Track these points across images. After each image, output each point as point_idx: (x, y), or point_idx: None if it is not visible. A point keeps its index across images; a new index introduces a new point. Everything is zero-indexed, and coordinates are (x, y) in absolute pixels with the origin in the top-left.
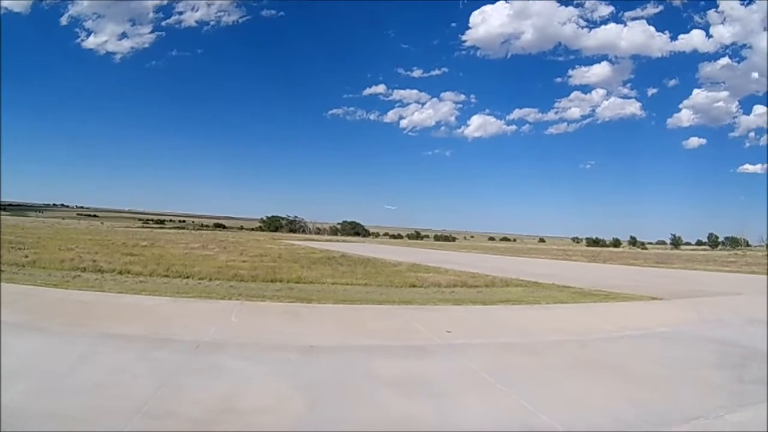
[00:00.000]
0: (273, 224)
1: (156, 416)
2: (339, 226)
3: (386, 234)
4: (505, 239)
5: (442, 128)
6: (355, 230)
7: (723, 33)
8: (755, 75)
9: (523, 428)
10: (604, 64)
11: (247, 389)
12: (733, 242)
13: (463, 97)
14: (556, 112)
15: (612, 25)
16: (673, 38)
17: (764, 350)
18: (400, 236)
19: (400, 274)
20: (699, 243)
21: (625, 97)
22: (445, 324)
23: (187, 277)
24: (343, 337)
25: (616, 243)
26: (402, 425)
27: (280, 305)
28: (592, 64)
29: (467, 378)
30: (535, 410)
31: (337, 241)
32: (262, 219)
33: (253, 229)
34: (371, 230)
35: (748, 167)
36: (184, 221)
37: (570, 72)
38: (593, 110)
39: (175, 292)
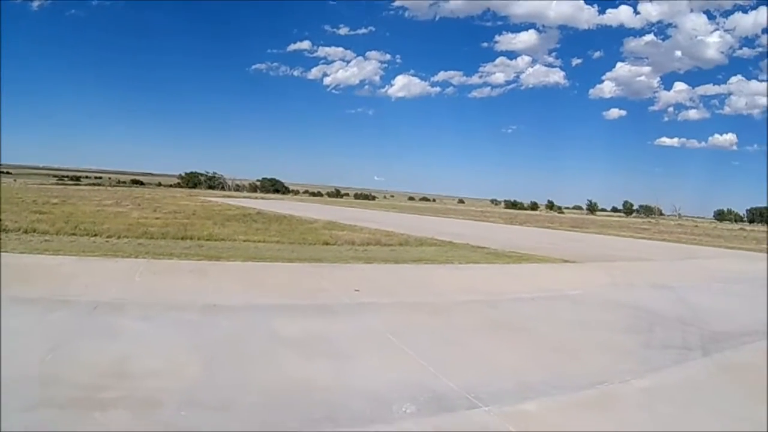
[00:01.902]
0: (192, 181)
1: (42, 382)
2: (259, 183)
3: (306, 192)
4: (425, 199)
5: (366, 87)
6: (275, 187)
7: (650, 11)
8: (678, 53)
9: (422, 391)
10: (532, 32)
11: (142, 352)
12: (647, 210)
13: (388, 56)
14: (481, 77)
15: None
16: (602, 12)
17: (672, 316)
18: (320, 194)
19: (315, 232)
20: (614, 210)
21: (550, 65)
22: (355, 283)
23: (95, 235)
24: (249, 296)
25: (534, 206)
26: (298, 387)
27: (187, 263)
28: (519, 31)
29: (371, 338)
30: (437, 372)
31: (256, 198)
32: (180, 175)
33: (171, 186)
34: (292, 188)
35: (665, 140)
36: (100, 178)
37: (497, 38)
38: (518, 76)
39: (80, 251)
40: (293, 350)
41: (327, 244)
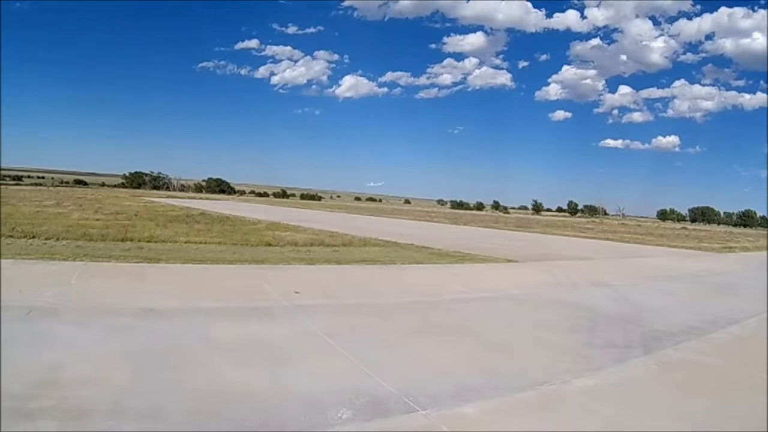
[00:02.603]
0: (136, 181)
1: None
2: (204, 183)
3: (252, 192)
4: (371, 200)
5: (314, 87)
6: (220, 188)
7: (597, 15)
8: (623, 57)
9: (358, 395)
10: (480, 34)
11: (74, 358)
12: (591, 210)
13: (336, 56)
14: (428, 78)
15: None
16: (549, 16)
17: (613, 314)
18: (266, 194)
19: (258, 233)
20: (559, 210)
21: (497, 67)
22: (296, 285)
23: (33, 237)
24: (186, 299)
25: (480, 206)
26: (232, 393)
27: (126, 266)
28: (467, 33)
29: (309, 342)
30: (374, 375)
31: (201, 198)
32: (124, 175)
33: (115, 186)
34: (238, 188)
35: (610, 142)
36: (42, 177)
37: (445, 39)
38: (465, 78)
39: (16, 253)
40: (229, 355)
41: (270, 245)
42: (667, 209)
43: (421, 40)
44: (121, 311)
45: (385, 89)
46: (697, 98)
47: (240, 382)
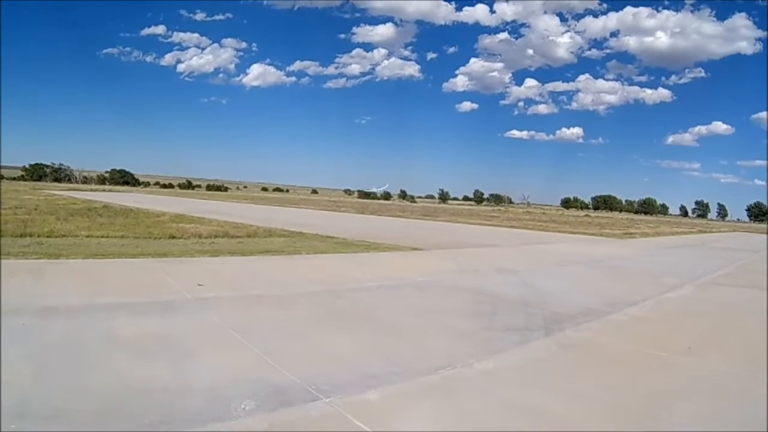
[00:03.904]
0: (36, 173)
1: None
2: (108, 175)
3: (157, 183)
4: (278, 190)
5: (221, 75)
6: (124, 179)
7: (506, 10)
8: (530, 51)
9: (262, 386)
10: (389, 25)
11: None
12: (497, 199)
13: (244, 44)
14: (337, 68)
15: None
16: (458, 9)
17: (515, 299)
18: (171, 186)
19: (161, 225)
20: (465, 198)
21: (406, 58)
22: (199, 277)
23: None
24: (88, 295)
25: (387, 196)
26: (134, 390)
27: (23, 263)
28: (377, 24)
29: (212, 335)
30: (277, 365)
31: (104, 191)
32: (24, 168)
33: (14, 179)
34: (142, 179)
35: (515, 133)
36: None
37: (354, 29)
38: (373, 68)
39: None
40: (131, 351)
41: (173, 237)
42: (571, 197)
43: (331, 29)
44: (20, 311)
45: (294, 78)
46: (600, 92)
47: (143, 378)
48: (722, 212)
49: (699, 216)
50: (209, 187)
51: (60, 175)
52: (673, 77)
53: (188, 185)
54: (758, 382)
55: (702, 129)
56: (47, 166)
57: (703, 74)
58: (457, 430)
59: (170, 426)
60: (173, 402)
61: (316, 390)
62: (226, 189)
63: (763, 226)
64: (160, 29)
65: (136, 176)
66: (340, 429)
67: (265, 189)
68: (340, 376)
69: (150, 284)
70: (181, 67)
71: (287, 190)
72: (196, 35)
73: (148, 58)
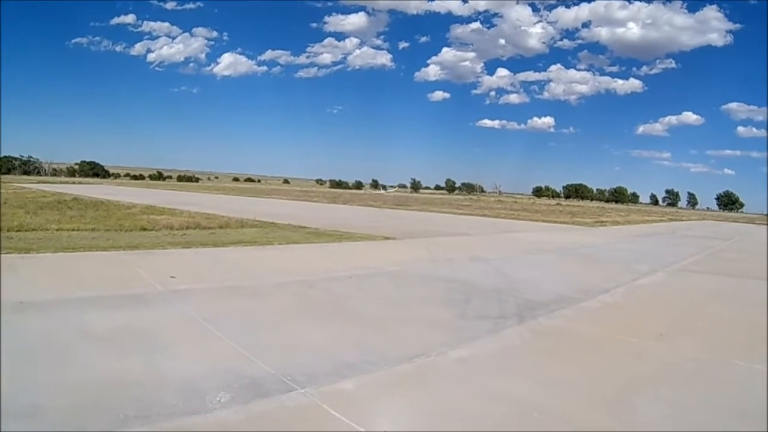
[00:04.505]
0: (5, 166)
1: None
2: (77, 167)
3: (128, 175)
4: (249, 180)
5: (192, 65)
6: (94, 171)
7: (478, 0)
8: (502, 41)
9: (237, 378)
10: (361, 14)
11: None
12: (469, 188)
13: (215, 34)
14: (308, 57)
15: None
16: None
17: (488, 287)
18: (142, 177)
19: (132, 217)
20: (437, 188)
21: (378, 48)
22: (171, 269)
23: None
24: (59, 290)
25: (359, 185)
26: (109, 385)
27: None
28: (349, 13)
29: (186, 327)
30: (252, 356)
31: (74, 183)
32: None
33: None
34: (112, 171)
35: (487, 122)
36: None
37: (326, 18)
38: (345, 58)
39: None
40: (105, 345)
41: (145, 229)
42: (542, 186)
43: (302, 18)
44: None
45: (265, 68)
46: (572, 82)
47: (118, 372)
48: (692, 201)
49: (669, 204)
50: (180, 178)
51: (29, 167)
52: (644, 68)
53: (159, 176)
54: (729, 367)
55: (672, 119)
56: (15, 159)
57: (674, 65)
58: (432, 418)
59: (146, 420)
60: (149, 396)
61: (291, 381)
62: (197, 180)
63: (732, 214)
64: (130, 18)
65: (106, 168)
66: (316, 419)
67: (236, 179)
68: (315, 366)
69: (122, 277)
70: (151, 57)
71: (259, 181)
72: (166, 24)
73: (118, 48)
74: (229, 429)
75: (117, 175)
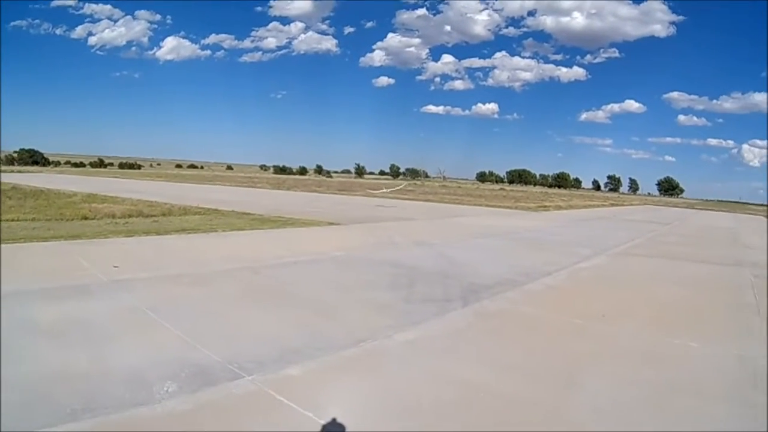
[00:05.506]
0: None
1: None
2: (16, 155)
3: (68, 162)
4: (192, 167)
5: (134, 48)
6: (34, 159)
7: None
8: (448, 28)
9: (183, 367)
10: None
11: None
12: (413, 173)
13: (158, 17)
14: (253, 41)
15: None
16: None
17: (433, 271)
18: (82, 164)
19: (73, 206)
20: (382, 173)
21: (323, 33)
22: (114, 259)
23: None
24: None
25: (303, 171)
26: (54, 379)
27: None
28: None
29: (129, 317)
30: (198, 345)
31: (12, 171)
32: None
33: None
34: (52, 158)
35: (432, 108)
36: None
37: (271, 2)
38: (290, 42)
39: None
40: (49, 339)
41: (86, 218)
42: (486, 172)
43: (247, 2)
44: None
45: (208, 52)
46: (516, 69)
47: (63, 365)
48: (633, 186)
49: (611, 190)
50: (122, 165)
51: None
52: (588, 56)
53: (100, 163)
54: (666, 345)
55: (615, 107)
56: None
57: (617, 54)
58: (380, 402)
59: (94, 413)
60: (95, 388)
61: (238, 368)
62: (139, 167)
63: (673, 199)
64: (71, 1)
65: (45, 155)
66: (264, 406)
67: (179, 166)
68: (261, 353)
69: (64, 268)
70: (92, 40)
71: (202, 167)
72: (108, 7)
73: (58, 31)
74: (177, 418)
75: (57, 163)
